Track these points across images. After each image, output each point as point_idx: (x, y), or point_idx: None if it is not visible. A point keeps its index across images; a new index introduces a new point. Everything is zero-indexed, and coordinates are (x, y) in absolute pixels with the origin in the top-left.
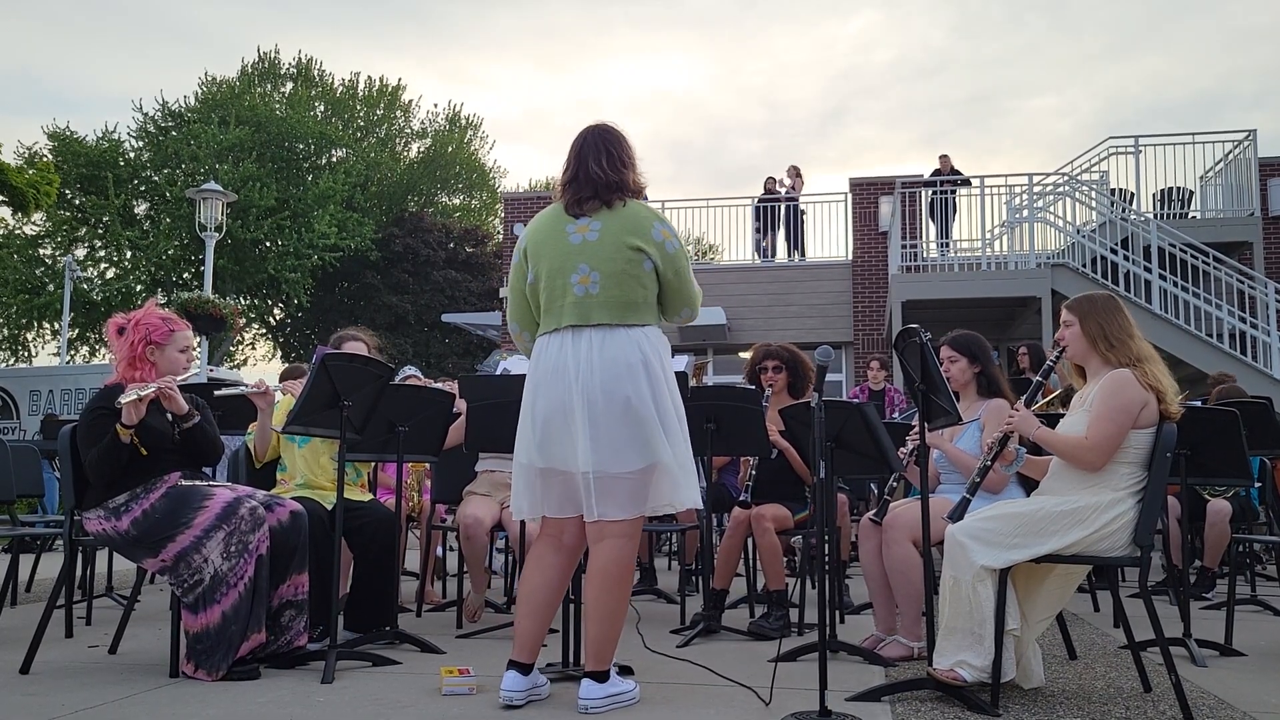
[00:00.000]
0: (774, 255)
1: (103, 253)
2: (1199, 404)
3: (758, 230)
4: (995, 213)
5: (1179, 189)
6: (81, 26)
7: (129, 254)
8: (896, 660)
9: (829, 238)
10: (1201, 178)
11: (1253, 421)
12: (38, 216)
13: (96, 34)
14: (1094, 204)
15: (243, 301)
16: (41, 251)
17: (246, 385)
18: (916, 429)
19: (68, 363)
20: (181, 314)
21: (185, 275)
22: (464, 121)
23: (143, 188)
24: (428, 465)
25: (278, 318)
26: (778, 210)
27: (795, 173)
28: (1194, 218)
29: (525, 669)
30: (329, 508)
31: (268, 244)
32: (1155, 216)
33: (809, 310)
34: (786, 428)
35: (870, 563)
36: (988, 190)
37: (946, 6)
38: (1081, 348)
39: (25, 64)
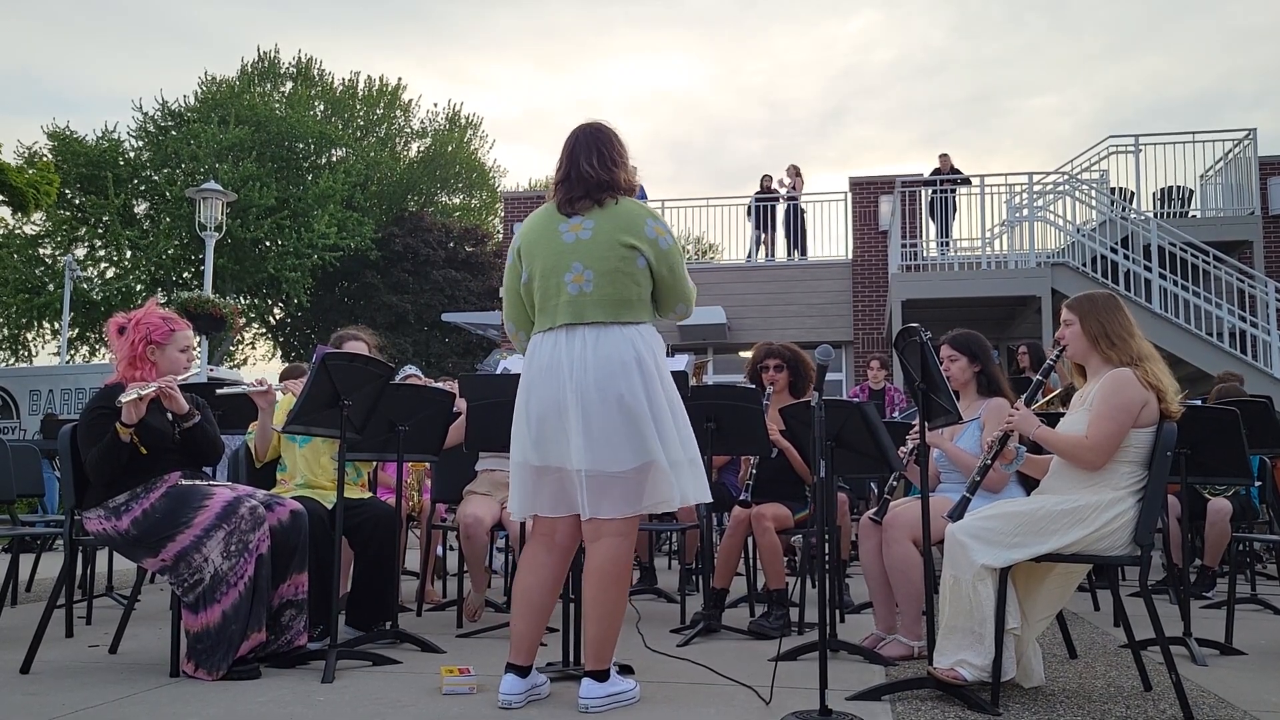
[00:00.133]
0: (774, 254)
1: (103, 252)
2: (1199, 403)
3: (758, 228)
4: (995, 212)
5: (1179, 188)
6: (81, 26)
7: (129, 254)
8: (897, 659)
9: (829, 237)
10: (1201, 177)
11: (1253, 420)
12: (38, 216)
13: (96, 34)
14: (1094, 203)
15: (243, 301)
16: (41, 251)
17: (248, 384)
18: (916, 428)
19: (68, 362)
20: (182, 313)
21: (185, 275)
22: (464, 121)
23: (143, 187)
24: (428, 465)
25: (278, 317)
26: (774, 210)
27: (795, 172)
28: (1194, 217)
29: (523, 671)
30: (329, 507)
31: (268, 243)
32: (1155, 215)
33: (809, 309)
34: (787, 427)
35: (870, 562)
36: (988, 189)
37: (946, 6)
38: (1082, 346)
39: (25, 64)
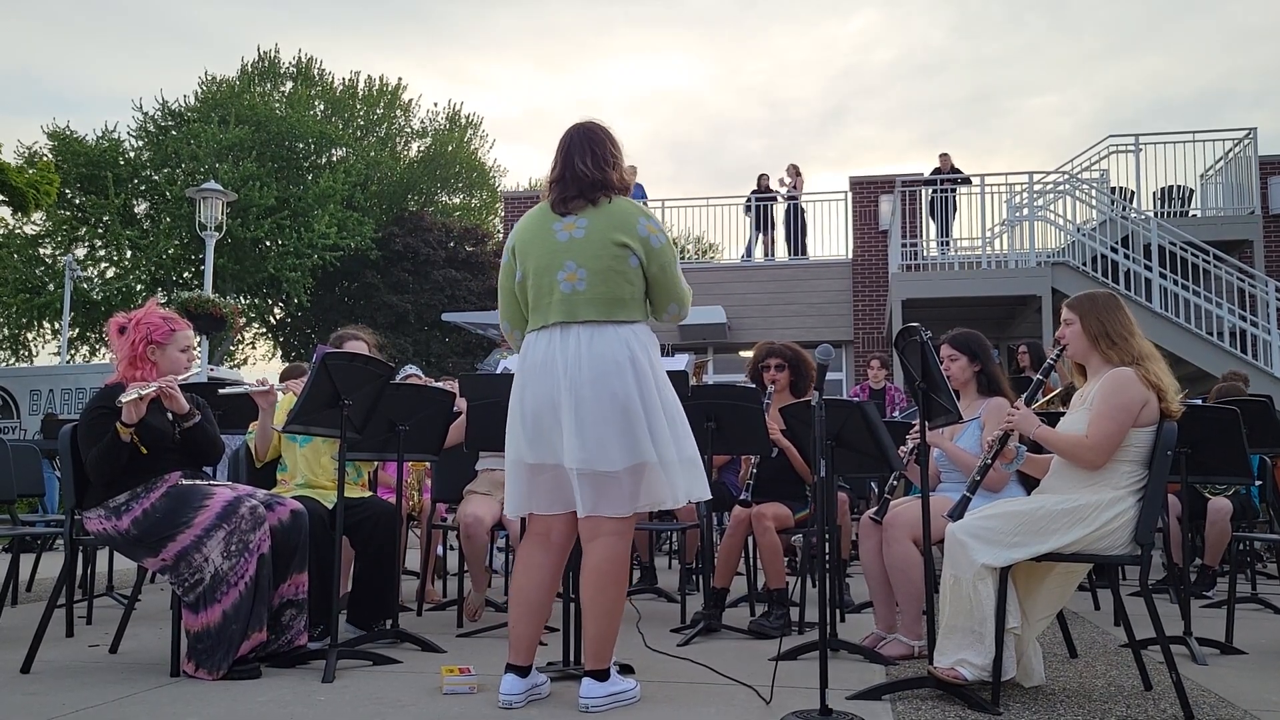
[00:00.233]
0: (773, 254)
1: (103, 252)
2: (1199, 402)
3: (757, 227)
4: (995, 211)
5: (1179, 187)
6: (81, 26)
7: (129, 253)
8: (897, 659)
9: (829, 236)
10: (1202, 176)
11: (1253, 420)
12: (38, 216)
13: (96, 34)
14: (1094, 202)
15: (243, 301)
16: (41, 251)
17: (249, 384)
18: (917, 427)
19: (68, 362)
20: (182, 313)
21: (185, 274)
22: (464, 121)
23: (143, 187)
24: (428, 464)
25: (278, 317)
26: (772, 209)
27: (795, 172)
28: (1194, 216)
29: (523, 671)
30: (329, 507)
31: (268, 243)
32: (1155, 215)
33: (809, 309)
34: (787, 426)
35: (871, 561)
36: (988, 189)
37: (946, 6)
38: (1082, 346)
39: (25, 64)
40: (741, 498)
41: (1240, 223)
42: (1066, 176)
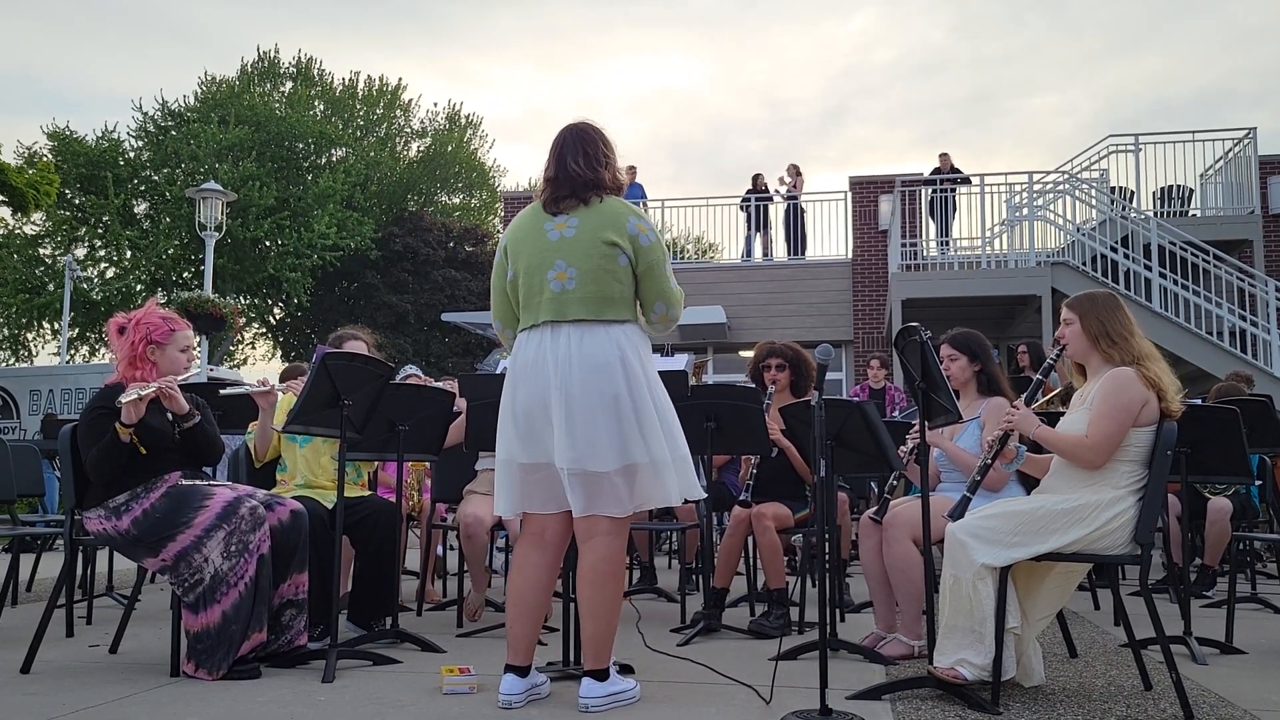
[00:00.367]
0: (773, 254)
1: (103, 252)
2: (1199, 402)
3: (757, 228)
4: (995, 211)
5: (1179, 187)
6: (81, 26)
7: (129, 254)
8: (897, 658)
9: (829, 236)
10: (1201, 176)
11: (1253, 419)
12: (38, 216)
13: (96, 34)
14: (1094, 202)
15: (243, 301)
16: (41, 251)
17: (250, 385)
18: (917, 427)
19: (68, 362)
20: (182, 313)
21: (185, 275)
22: (464, 121)
23: (142, 187)
24: (428, 464)
25: (278, 317)
26: (769, 209)
27: (795, 171)
28: (1194, 216)
29: (522, 671)
30: (329, 507)
31: (268, 243)
32: (1155, 214)
33: (809, 309)
34: (787, 426)
35: (870, 561)
36: (988, 189)
37: (946, 6)
38: (1082, 346)
39: (25, 64)
40: (741, 498)
41: (1240, 222)
42: (1066, 176)
